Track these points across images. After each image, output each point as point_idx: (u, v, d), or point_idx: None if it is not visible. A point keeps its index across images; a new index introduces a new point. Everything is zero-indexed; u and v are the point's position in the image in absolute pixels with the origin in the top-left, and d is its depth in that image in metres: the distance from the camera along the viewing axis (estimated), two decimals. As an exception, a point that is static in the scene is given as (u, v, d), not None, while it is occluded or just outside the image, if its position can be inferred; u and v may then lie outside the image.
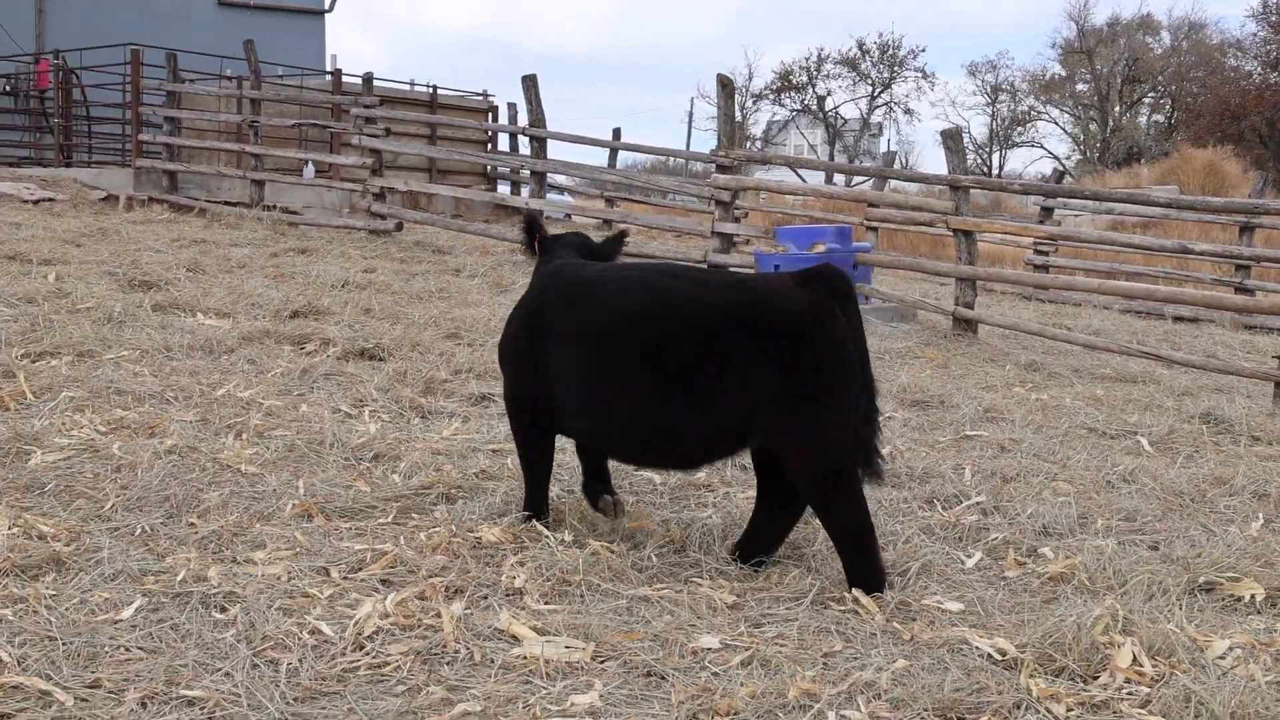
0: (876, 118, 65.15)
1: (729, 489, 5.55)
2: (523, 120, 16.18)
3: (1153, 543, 5.01)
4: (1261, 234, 18.34)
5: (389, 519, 4.83)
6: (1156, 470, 6.20)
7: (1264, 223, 17.27)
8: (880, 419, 4.37)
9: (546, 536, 4.57)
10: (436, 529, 4.66)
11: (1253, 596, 4.36)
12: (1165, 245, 11.08)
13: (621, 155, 26.22)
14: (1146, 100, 58.84)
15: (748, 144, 59.01)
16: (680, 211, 24.04)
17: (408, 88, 24.52)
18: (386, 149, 16.09)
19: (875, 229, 17.91)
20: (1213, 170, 30.91)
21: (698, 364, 4.17)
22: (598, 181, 23.73)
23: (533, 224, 5.09)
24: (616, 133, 24.27)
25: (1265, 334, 14.19)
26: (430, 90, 23.53)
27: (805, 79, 62.33)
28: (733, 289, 4.30)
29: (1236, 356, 11.45)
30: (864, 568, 4.19)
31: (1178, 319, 14.80)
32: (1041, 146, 64.35)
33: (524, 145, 22.98)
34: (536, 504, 4.80)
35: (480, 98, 24.73)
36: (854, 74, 62.30)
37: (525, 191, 17.53)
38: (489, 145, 23.37)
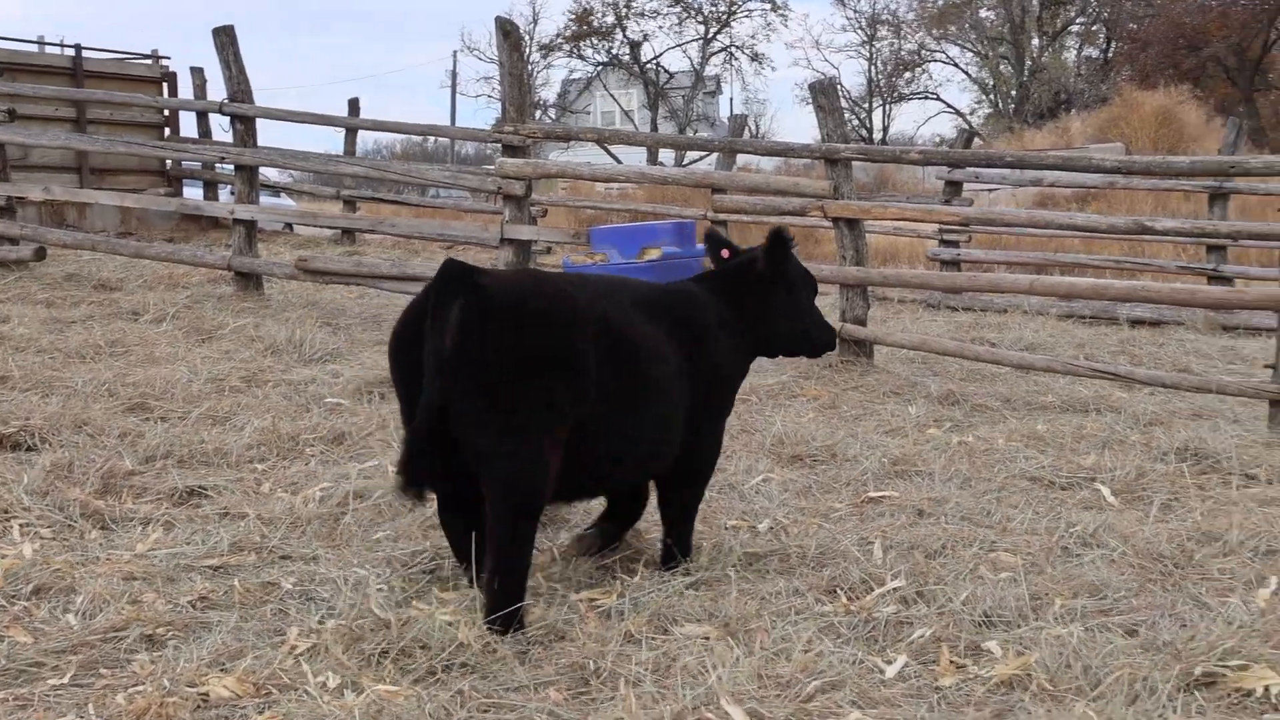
0: (713, 69, 66.54)
1: (556, 585, 5.61)
2: (217, 93, 16.02)
3: (1130, 626, 5.26)
4: (1236, 201, 19.29)
5: (66, 679, 4.71)
6: (1126, 528, 6.53)
7: (1239, 186, 18.18)
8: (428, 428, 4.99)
9: (305, 682, 4.54)
10: (140, 687, 4.57)
11: (1266, 689, 4.59)
12: (1117, 224, 11.62)
13: (363, 137, 26.16)
14: (1074, 28, 61.65)
15: (538, 113, 59.51)
16: (452, 213, 24.07)
17: (35, 48, 23.97)
18: (11, 140, 15.67)
19: (724, 223, 18.34)
20: (1167, 119, 32.59)
21: None
22: (331, 176, 23.62)
23: (715, 238, 6.45)
24: (354, 105, 24.23)
25: (1250, 336, 14.91)
26: (72, 52, 23.04)
27: (612, 19, 63.24)
28: None
29: (1216, 369, 12.10)
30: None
31: (1135, 322, 15.51)
32: (938, 98, 66.92)
33: (220, 128, 22.62)
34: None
35: (150, 61, 24.35)
36: (679, 8, 63.45)
37: (226, 194, 17.30)
38: (167, 130, 23.00)
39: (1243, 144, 22.60)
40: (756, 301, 6.19)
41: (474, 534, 5.32)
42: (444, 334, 4.97)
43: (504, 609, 5.00)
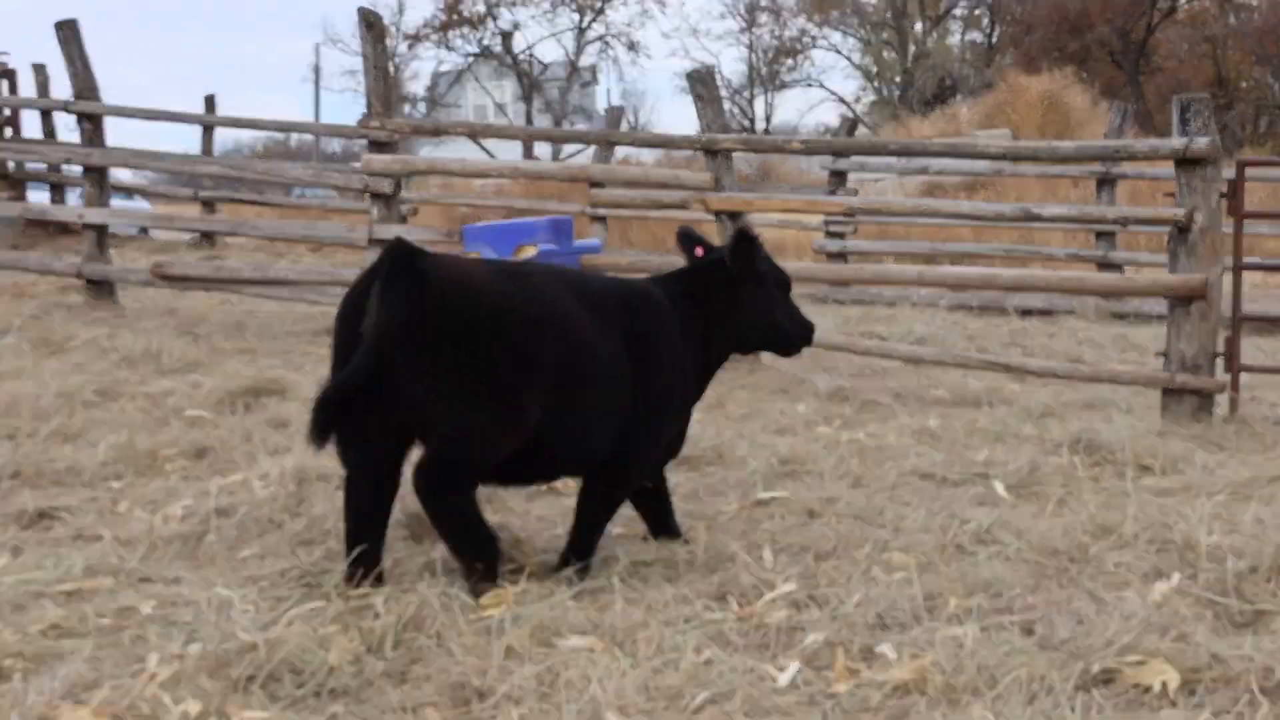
0: (588, 59, 66.60)
1: (434, 599, 5.57)
2: (61, 90, 15.74)
3: (1026, 624, 5.30)
4: (1125, 186, 19.66)
5: (-93, 717, 4.61)
6: (1020, 524, 6.60)
7: (1127, 171, 18.54)
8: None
9: (167, 712, 4.46)
10: (-12, 723, 4.48)
11: (1164, 684, 4.65)
12: (1004, 211, 11.79)
13: (221, 134, 25.89)
14: (957, 12, 62.47)
15: (407, 108, 59.20)
16: (318, 213, 23.89)
17: None
18: None
19: (603, 218, 18.40)
20: (1053, 104, 33.19)
21: None
22: (188, 177, 23.34)
23: (687, 236, 6.62)
24: (210, 101, 23.97)
25: (1141, 324, 15.21)
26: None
27: (482, 8, 63.00)
28: None
29: (1109, 358, 12.31)
30: None
31: (1025, 312, 15.73)
32: (822, 86, 67.43)
33: (66, 128, 22.29)
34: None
35: (-11, 59, 23.93)
36: (552, -5, 63.31)
37: (75, 198, 16.97)
38: (9, 131, 22.60)
39: (1129, 128, 22.99)
40: (725, 299, 6.37)
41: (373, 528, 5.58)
42: (387, 312, 5.23)
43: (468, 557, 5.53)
